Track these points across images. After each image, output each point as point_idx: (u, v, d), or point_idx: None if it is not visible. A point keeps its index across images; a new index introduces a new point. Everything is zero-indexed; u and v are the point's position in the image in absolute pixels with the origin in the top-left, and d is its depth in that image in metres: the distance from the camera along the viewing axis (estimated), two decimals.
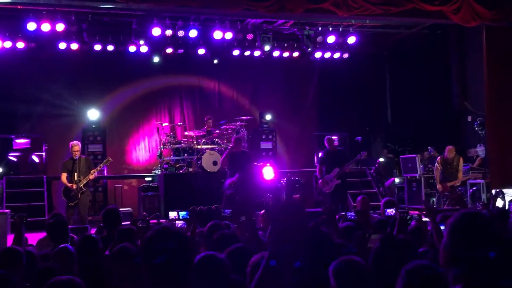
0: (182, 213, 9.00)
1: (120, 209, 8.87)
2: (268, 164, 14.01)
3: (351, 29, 14.76)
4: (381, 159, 15.64)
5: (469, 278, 2.37)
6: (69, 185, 11.07)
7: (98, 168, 11.51)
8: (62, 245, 4.79)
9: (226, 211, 6.43)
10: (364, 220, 6.97)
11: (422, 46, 16.33)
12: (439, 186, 12.31)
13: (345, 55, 15.58)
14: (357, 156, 12.21)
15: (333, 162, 12.04)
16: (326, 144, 12.36)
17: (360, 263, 3.39)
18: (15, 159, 13.69)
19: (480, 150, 14.76)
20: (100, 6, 12.01)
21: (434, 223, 5.38)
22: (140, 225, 6.44)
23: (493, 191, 12.25)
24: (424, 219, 6.38)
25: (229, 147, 12.54)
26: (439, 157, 12.52)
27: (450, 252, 2.44)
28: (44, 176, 13.42)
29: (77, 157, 11.19)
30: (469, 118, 15.61)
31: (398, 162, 15.71)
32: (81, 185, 11.07)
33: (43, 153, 14.09)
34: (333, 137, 12.92)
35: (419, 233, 5.93)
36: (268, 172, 13.62)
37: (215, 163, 13.09)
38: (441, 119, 16.08)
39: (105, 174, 14.37)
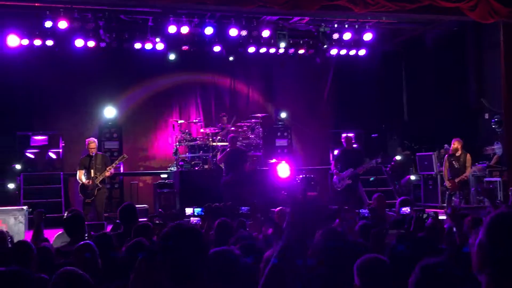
0: (197, 210, 9.03)
1: (136, 205, 8.91)
2: (283, 162, 13.99)
3: (367, 26, 14.68)
4: (398, 157, 15.54)
5: (506, 281, 2.31)
6: (86, 182, 11.16)
7: (114, 165, 11.60)
8: (83, 242, 4.81)
9: (243, 208, 6.43)
10: (379, 217, 6.95)
11: (439, 42, 16.20)
12: (447, 183, 12.26)
13: (361, 52, 15.50)
14: (371, 162, 12.20)
15: (348, 162, 12.10)
16: (343, 143, 12.37)
17: (385, 261, 3.39)
18: (32, 156, 13.80)
19: (497, 148, 14.61)
20: (117, 3, 12.08)
21: (459, 226, 5.34)
22: (157, 222, 6.47)
23: (511, 189, 12.14)
24: (441, 217, 6.35)
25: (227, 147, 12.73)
26: (446, 155, 12.47)
27: (487, 254, 2.39)
28: (61, 173, 13.54)
29: (93, 154, 11.28)
30: (486, 116, 15.46)
31: (414, 160, 15.62)
32: (97, 181, 11.16)
33: (60, 150, 14.19)
34: (350, 135, 12.92)
35: (435, 231, 5.90)
36: (283, 170, 13.60)
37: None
38: (457, 116, 15.95)
39: (121, 171, 14.45)
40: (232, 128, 14.55)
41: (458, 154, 12.16)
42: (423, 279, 2.77)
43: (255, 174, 13.28)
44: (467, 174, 12.19)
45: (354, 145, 13.08)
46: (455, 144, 12.17)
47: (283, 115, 16.38)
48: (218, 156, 12.74)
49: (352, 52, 15.49)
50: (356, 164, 12.00)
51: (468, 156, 12.21)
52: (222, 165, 12.63)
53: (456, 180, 12.02)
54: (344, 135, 13.19)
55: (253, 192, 11.79)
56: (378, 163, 12.42)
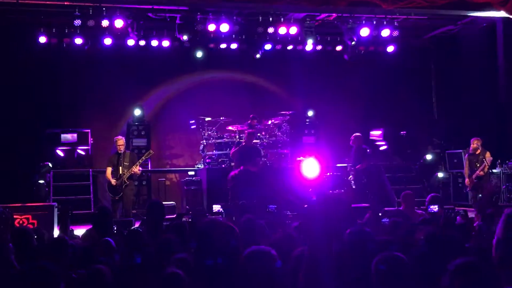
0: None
1: (164, 202, 8.95)
2: (313, 157, 13.85)
3: (395, 22, 14.50)
4: (428, 157, 15.31)
5: None
6: (113, 180, 11.28)
7: (140, 161, 11.70)
8: (104, 239, 4.86)
9: (271, 206, 6.40)
10: (406, 216, 6.86)
11: (468, 38, 15.95)
12: (466, 181, 12.53)
13: (390, 49, 15.33)
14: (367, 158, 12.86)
15: (351, 160, 13.03)
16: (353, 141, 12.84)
17: (402, 259, 3.36)
18: (62, 153, 13.96)
19: None
20: (145, 1, 12.15)
21: (487, 224, 5.27)
22: (185, 219, 6.49)
23: None
24: (470, 215, 6.27)
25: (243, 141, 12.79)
26: (466, 154, 12.70)
27: (504, 250, 2.33)
28: (90, 170, 13.67)
29: (121, 152, 11.37)
30: None
31: (443, 158, 15.42)
32: (125, 178, 11.25)
33: (89, 147, 14.32)
34: (357, 134, 13.22)
35: (464, 229, 5.81)
36: (311, 168, 13.47)
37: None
38: (488, 112, 15.70)
39: (149, 168, 14.54)
40: (259, 126, 14.52)
41: (477, 153, 12.35)
42: (459, 280, 2.72)
43: (265, 174, 13.09)
44: (480, 170, 12.25)
45: (357, 143, 13.23)
46: (474, 144, 12.40)
47: (311, 112, 16.31)
48: (232, 149, 12.73)
49: (381, 49, 15.34)
50: (355, 162, 12.68)
51: (488, 154, 12.32)
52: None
53: (473, 176, 12.26)
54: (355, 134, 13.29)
55: (261, 190, 11.74)
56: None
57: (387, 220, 5.71)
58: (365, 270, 3.71)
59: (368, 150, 13.22)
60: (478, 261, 2.87)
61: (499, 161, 13.53)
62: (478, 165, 12.27)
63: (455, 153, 14.74)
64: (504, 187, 12.98)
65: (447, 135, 16.50)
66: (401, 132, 13.60)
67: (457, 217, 6.52)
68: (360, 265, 3.76)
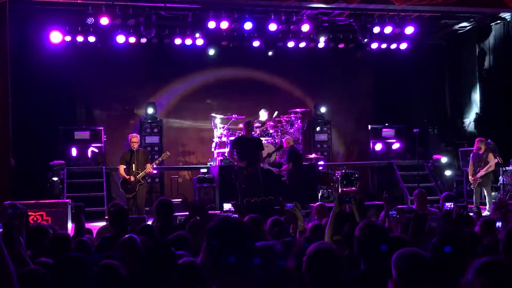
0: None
1: (177, 199, 8.98)
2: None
3: (408, 19, 14.45)
4: (443, 160, 15.22)
5: None
6: (127, 177, 11.30)
7: (157, 161, 11.76)
8: (128, 235, 4.87)
9: (288, 205, 6.39)
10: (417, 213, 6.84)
11: (483, 35, 15.85)
12: (471, 178, 12.93)
13: (403, 46, 15.28)
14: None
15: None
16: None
17: (423, 255, 3.35)
18: (75, 151, 14.04)
19: None
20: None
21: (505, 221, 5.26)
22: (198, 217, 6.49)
23: None
24: (484, 213, 6.24)
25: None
26: (471, 154, 13.12)
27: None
28: (104, 167, 13.73)
29: (135, 149, 11.41)
30: None
31: (457, 155, 15.34)
32: (139, 177, 11.29)
33: (102, 145, 14.39)
34: (288, 137, 13.53)
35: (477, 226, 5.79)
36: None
37: (269, 155, 13.06)
38: (501, 111, 15.59)
39: (162, 166, 14.58)
40: (272, 123, 14.53)
41: (481, 152, 12.87)
42: (485, 279, 2.70)
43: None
44: (484, 170, 12.71)
45: None
46: (478, 144, 12.91)
47: (323, 109, 16.29)
48: (228, 149, 12.41)
49: (393, 46, 15.28)
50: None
51: (491, 155, 12.82)
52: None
53: (478, 175, 12.73)
54: None
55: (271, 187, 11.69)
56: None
57: (395, 212, 5.68)
58: (375, 264, 3.72)
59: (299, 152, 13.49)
60: (505, 261, 2.85)
61: None
62: (482, 164, 12.76)
63: (468, 151, 14.64)
64: None
65: (460, 133, 16.42)
66: (414, 130, 13.54)
67: (472, 214, 6.50)
68: (371, 258, 3.78)
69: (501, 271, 2.69)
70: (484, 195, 12.90)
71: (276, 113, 14.69)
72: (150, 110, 15.05)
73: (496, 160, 12.77)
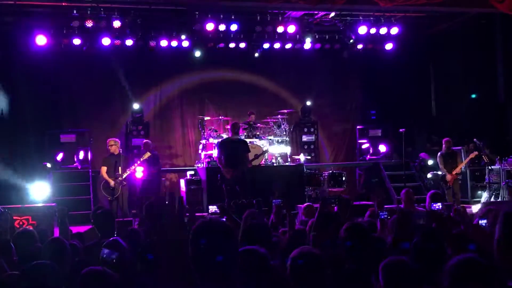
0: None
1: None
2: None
3: (393, 19, 14.52)
4: (429, 162, 15.30)
5: None
6: (110, 180, 11.35)
7: (139, 161, 11.78)
8: (112, 238, 4.84)
9: (275, 201, 6.41)
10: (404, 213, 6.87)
11: (467, 36, 15.96)
12: (448, 176, 13.00)
13: (388, 46, 15.35)
14: None
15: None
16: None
17: (408, 264, 3.39)
18: (61, 154, 13.94)
19: None
20: (143, 1, 12.14)
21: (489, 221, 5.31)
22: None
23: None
24: (471, 210, 6.28)
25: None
26: (439, 154, 13.33)
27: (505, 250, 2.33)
28: (90, 170, 13.65)
29: (117, 153, 11.49)
30: None
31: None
32: (121, 178, 11.33)
33: (89, 148, 14.30)
34: (147, 141, 13.51)
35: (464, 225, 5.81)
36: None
37: (256, 156, 13.05)
38: (486, 110, 15.71)
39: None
40: (258, 125, 14.53)
41: (450, 151, 13.23)
42: (457, 277, 2.72)
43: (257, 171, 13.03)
44: (459, 169, 13.08)
45: None
46: (446, 144, 13.23)
47: (310, 110, 16.32)
48: (217, 153, 12.12)
49: (379, 47, 15.35)
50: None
51: (458, 153, 13.49)
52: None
53: (453, 173, 12.98)
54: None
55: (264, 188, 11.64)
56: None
57: (385, 213, 5.70)
58: (359, 265, 3.74)
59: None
60: (477, 258, 2.86)
61: (498, 157, 13.56)
62: (451, 162, 13.06)
63: (455, 150, 14.72)
64: (503, 183, 13.00)
65: (445, 132, 16.49)
66: (400, 130, 13.60)
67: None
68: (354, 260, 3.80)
69: (476, 268, 2.71)
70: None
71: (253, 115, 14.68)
72: (136, 113, 15.00)
73: (476, 153, 13.19)
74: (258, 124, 14.55)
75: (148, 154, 12.15)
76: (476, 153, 13.20)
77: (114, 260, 4.07)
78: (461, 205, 10.55)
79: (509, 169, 13.33)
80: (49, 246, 4.77)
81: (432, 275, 3.49)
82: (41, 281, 3.48)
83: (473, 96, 16.14)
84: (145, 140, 13.35)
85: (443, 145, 13.28)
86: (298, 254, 3.48)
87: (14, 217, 9.17)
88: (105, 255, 4.12)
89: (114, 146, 11.60)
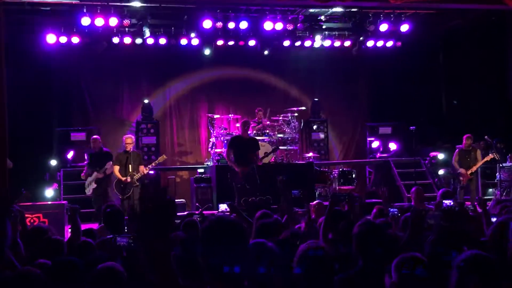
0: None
1: (179, 200, 8.98)
2: None
3: (403, 16, 14.45)
4: (440, 156, 15.22)
5: None
6: (123, 178, 11.32)
7: (153, 164, 11.78)
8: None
9: (294, 192, 6.43)
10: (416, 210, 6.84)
11: (477, 33, 15.85)
12: (463, 171, 12.82)
13: (398, 44, 15.29)
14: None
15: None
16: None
17: (423, 260, 3.37)
18: (72, 152, 13.99)
19: None
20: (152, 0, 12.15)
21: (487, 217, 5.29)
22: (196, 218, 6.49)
23: None
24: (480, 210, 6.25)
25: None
26: (457, 149, 13.19)
27: None
28: None
29: (130, 150, 11.44)
30: None
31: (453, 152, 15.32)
32: (135, 179, 11.31)
33: None
34: (95, 136, 12.65)
35: (473, 223, 5.79)
36: None
37: (266, 154, 13.02)
38: (497, 107, 15.61)
39: (159, 166, 14.54)
40: (268, 122, 14.51)
41: (469, 149, 12.98)
42: (466, 273, 2.70)
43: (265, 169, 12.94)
44: (475, 167, 12.83)
45: None
46: (466, 140, 12.96)
47: (320, 108, 16.27)
48: (225, 151, 12.26)
49: (389, 44, 15.29)
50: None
51: (478, 151, 13.04)
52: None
53: (468, 172, 12.73)
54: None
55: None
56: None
57: (396, 210, 5.69)
58: (371, 262, 3.73)
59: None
60: (486, 255, 2.84)
61: (510, 155, 13.49)
62: (469, 160, 12.84)
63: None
64: None
65: (457, 130, 16.40)
66: (411, 127, 13.54)
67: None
68: (367, 256, 3.78)
69: (487, 265, 2.69)
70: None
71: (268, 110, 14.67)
72: (146, 111, 15.02)
73: (491, 156, 12.85)
74: (268, 122, 14.52)
75: (164, 157, 12.12)
76: (491, 156, 12.88)
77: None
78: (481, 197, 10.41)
79: None
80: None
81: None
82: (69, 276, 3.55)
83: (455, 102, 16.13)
84: (93, 136, 12.29)
85: (464, 141, 13.04)
86: (306, 248, 3.47)
87: (26, 215, 9.20)
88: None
89: (132, 144, 11.60)
